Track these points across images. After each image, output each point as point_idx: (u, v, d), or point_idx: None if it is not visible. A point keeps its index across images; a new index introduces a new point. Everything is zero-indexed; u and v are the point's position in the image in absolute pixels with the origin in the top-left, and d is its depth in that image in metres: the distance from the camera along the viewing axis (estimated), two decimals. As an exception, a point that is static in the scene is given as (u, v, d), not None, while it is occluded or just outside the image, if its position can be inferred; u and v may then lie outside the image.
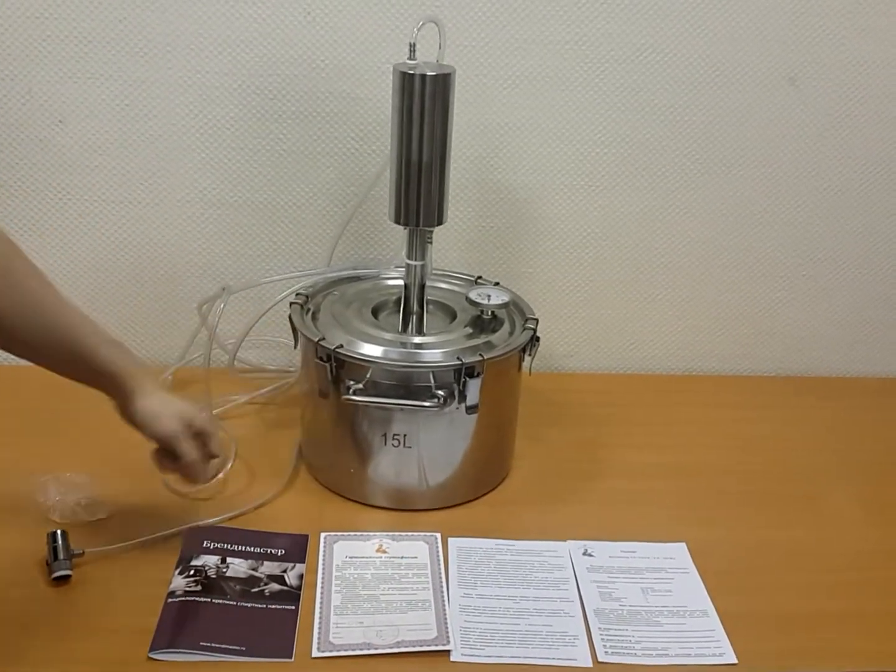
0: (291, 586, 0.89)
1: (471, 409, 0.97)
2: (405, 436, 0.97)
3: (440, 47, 0.98)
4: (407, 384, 0.96)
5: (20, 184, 1.19)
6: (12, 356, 1.26)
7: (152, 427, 0.87)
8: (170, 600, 0.85)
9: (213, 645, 0.81)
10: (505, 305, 1.04)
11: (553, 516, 1.02)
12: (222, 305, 1.08)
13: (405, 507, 1.01)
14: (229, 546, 0.93)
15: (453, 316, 1.07)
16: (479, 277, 1.14)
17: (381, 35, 1.15)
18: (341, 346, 0.96)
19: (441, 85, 0.94)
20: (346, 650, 0.82)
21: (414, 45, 0.94)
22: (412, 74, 0.93)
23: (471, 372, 0.95)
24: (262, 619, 0.84)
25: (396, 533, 0.97)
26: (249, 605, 0.86)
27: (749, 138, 1.25)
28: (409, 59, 0.94)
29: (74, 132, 1.16)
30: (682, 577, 0.94)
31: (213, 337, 1.09)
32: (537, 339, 1.04)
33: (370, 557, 0.93)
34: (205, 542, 0.93)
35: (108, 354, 0.85)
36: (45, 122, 1.16)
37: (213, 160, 1.20)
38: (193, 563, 0.90)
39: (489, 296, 1.04)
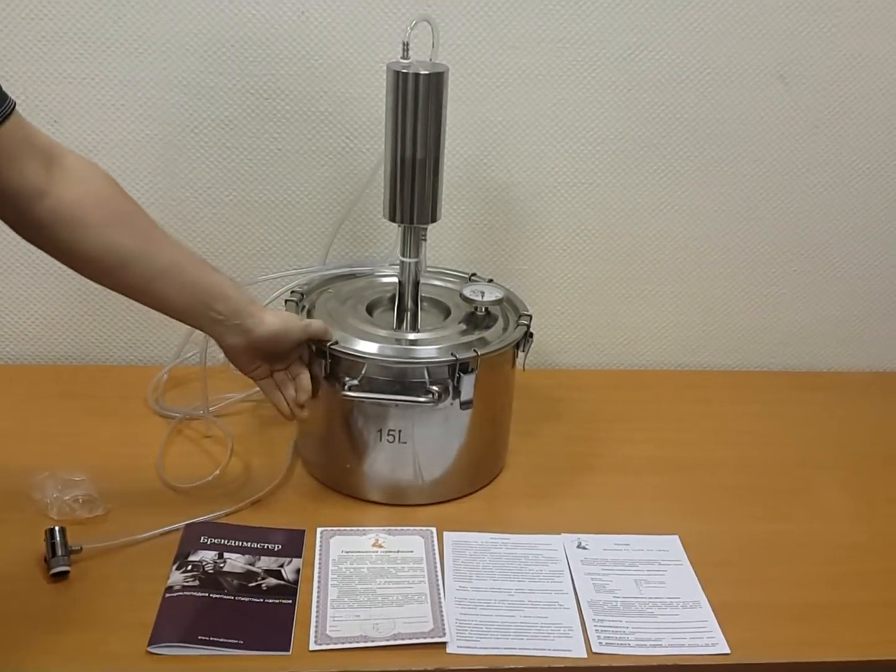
0: (288, 581, 0.90)
1: (465, 405, 0.98)
2: (400, 431, 0.98)
3: (433, 46, 0.99)
4: (402, 380, 0.96)
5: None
6: (7, 353, 1.27)
7: (301, 329, 0.92)
8: (168, 595, 0.86)
9: (211, 639, 0.82)
10: (499, 302, 1.05)
11: (547, 510, 1.03)
12: (218, 303, 1.09)
13: (401, 502, 1.02)
14: (226, 541, 0.93)
15: (447, 312, 1.08)
16: (473, 274, 1.15)
17: (375, 34, 1.15)
18: (336, 342, 0.96)
19: (434, 83, 0.95)
20: (342, 643, 0.82)
21: (407, 43, 0.95)
22: (406, 73, 0.94)
23: (465, 368, 0.96)
24: (259, 614, 0.85)
25: (392, 527, 0.97)
26: (247, 599, 0.87)
27: (740, 135, 1.26)
28: (403, 57, 0.95)
29: (69, 132, 1.17)
30: (675, 569, 0.95)
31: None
32: (531, 335, 1.04)
33: (366, 552, 0.94)
34: (202, 538, 0.93)
35: (221, 280, 0.87)
36: (39, 122, 1.13)
37: (208, 160, 1.20)
38: (191, 558, 0.91)
39: (483, 292, 1.05)
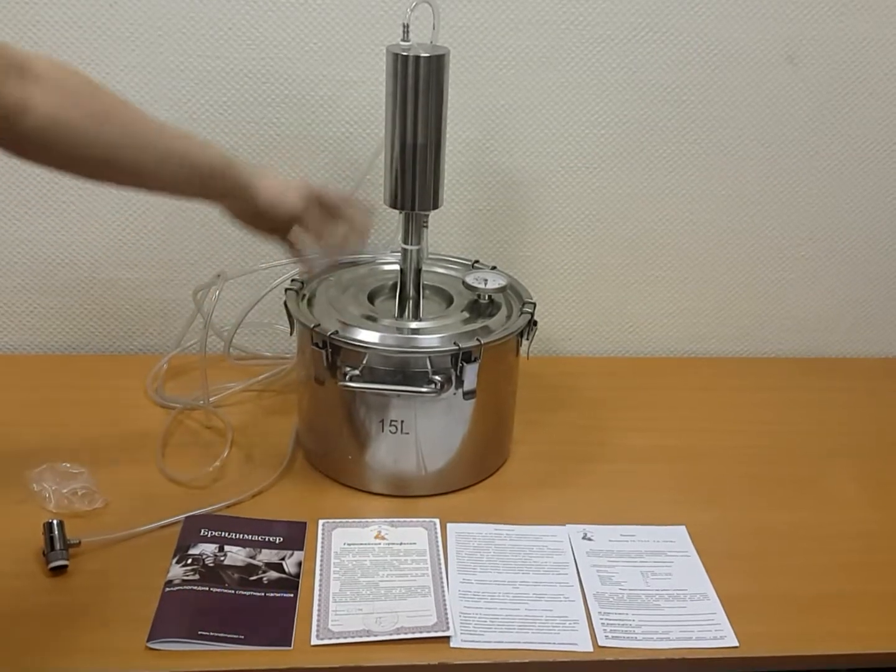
0: (290, 574, 0.89)
1: (468, 395, 0.96)
2: (402, 422, 0.97)
3: (434, 28, 0.97)
4: (404, 370, 0.95)
5: (12, 171, 1.18)
6: (6, 344, 1.26)
7: (282, 205, 0.89)
8: (168, 589, 0.85)
9: (212, 634, 0.81)
10: (502, 289, 1.03)
11: (552, 500, 1.02)
12: (218, 292, 1.07)
13: (403, 494, 1.01)
14: (227, 534, 0.92)
15: (450, 301, 1.06)
16: (476, 261, 1.13)
17: (374, 16, 1.13)
18: (337, 332, 0.95)
19: (435, 66, 0.93)
20: (345, 637, 0.81)
21: (407, 26, 0.93)
22: (406, 56, 0.92)
23: (468, 357, 0.94)
24: (260, 608, 0.84)
25: (395, 519, 0.96)
26: (248, 593, 0.86)
27: (747, 118, 1.24)
28: (403, 40, 0.93)
29: (65, 119, 1.15)
30: (682, 561, 0.94)
31: (209, 324, 1.08)
32: (535, 322, 1.03)
33: (369, 544, 0.93)
34: (202, 531, 0.92)
35: (214, 154, 0.85)
36: (35, 108, 1.15)
37: (207, 146, 1.19)
38: (191, 551, 0.90)
39: (486, 280, 1.03)
